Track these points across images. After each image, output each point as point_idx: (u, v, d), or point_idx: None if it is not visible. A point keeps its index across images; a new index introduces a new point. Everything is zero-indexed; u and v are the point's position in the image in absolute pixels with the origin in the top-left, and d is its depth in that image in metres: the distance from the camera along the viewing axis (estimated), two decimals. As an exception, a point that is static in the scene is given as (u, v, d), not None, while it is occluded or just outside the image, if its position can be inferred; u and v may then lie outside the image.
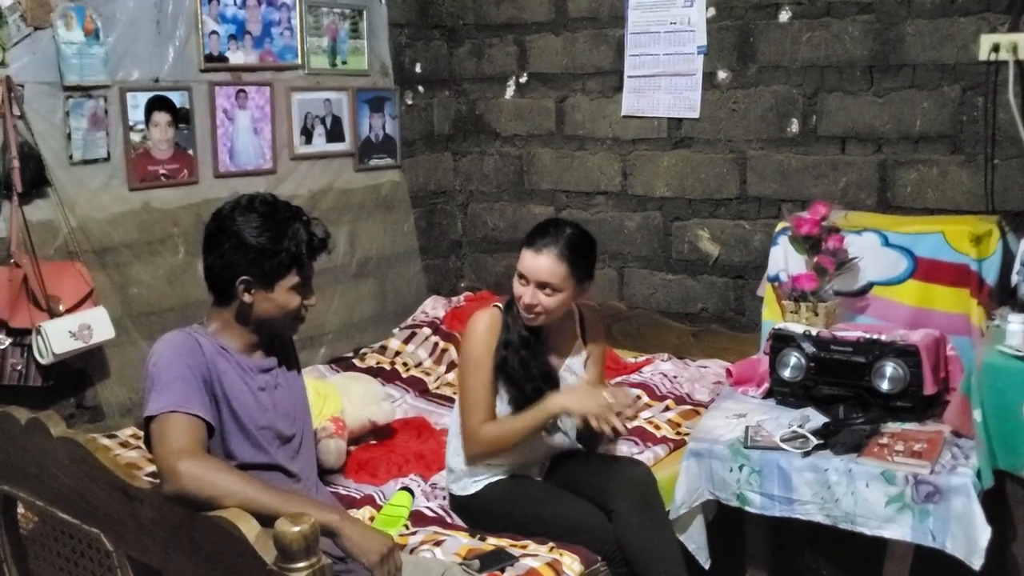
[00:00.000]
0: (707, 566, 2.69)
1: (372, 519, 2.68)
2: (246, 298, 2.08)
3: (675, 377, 3.62)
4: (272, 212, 2.10)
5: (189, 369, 1.98)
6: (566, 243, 2.50)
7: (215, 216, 2.12)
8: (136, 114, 3.31)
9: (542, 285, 2.49)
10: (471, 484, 2.65)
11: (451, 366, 3.93)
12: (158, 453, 1.88)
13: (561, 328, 2.68)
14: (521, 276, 2.52)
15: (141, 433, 3.10)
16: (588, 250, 2.58)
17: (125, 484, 1.86)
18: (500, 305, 2.66)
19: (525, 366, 2.56)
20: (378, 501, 2.81)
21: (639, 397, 3.09)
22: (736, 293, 3.85)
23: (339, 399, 3.17)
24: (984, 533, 2.25)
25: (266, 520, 1.70)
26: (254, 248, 2.05)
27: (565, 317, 2.67)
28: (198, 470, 1.81)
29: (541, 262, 2.49)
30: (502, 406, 2.60)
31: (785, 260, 3.13)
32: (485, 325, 2.59)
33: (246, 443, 2.07)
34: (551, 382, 2.61)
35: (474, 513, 2.66)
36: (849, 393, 2.66)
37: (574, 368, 2.69)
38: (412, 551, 2.44)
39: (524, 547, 2.46)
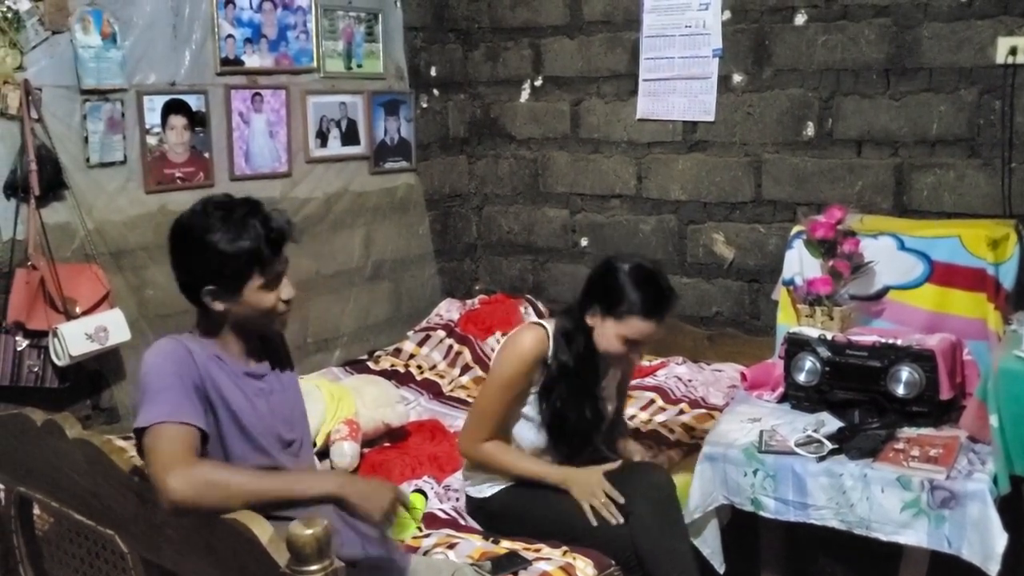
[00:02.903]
0: (721, 571, 2.68)
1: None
2: (217, 306, 2.00)
3: (690, 381, 3.61)
4: (227, 213, 1.99)
5: (178, 377, 1.92)
6: (674, 299, 2.51)
7: (174, 227, 2.03)
8: (152, 117, 3.34)
9: (646, 343, 2.52)
10: (487, 488, 2.65)
11: (465, 368, 3.93)
12: (149, 470, 1.84)
13: None
14: (631, 341, 2.47)
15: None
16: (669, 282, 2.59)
17: (140, 486, 1.86)
18: (544, 324, 2.58)
19: (578, 396, 2.54)
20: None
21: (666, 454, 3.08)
22: (751, 297, 3.84)
23: (353, 401, 3.18)
24: (1000, 539, 2.23)
25: (273, 507, 1.72)
26: (213, 254, 1.95)
27: None
28: (187, 484, 1.77)
29: (662, 327, 2.49)
30: (532, 431, 2.58)
31: (800, 264, 3.12)
32: (530, 346, 2.51)
33: (248, 448, 2.01)
34: (597, 416, 2.59)
35: (489, 515, 2.66)
36: (864, 398, 2.65)
37: (607, 392, 2.67)
38: (425, 554, 2.44)
39: (537, 551, 2.46)
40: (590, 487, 2.50)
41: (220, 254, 1.95)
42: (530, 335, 2.54)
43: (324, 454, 3.05)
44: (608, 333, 2.47)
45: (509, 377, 2.53)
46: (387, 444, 3.25)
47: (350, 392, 3.25)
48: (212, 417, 1.97)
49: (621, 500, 2.46)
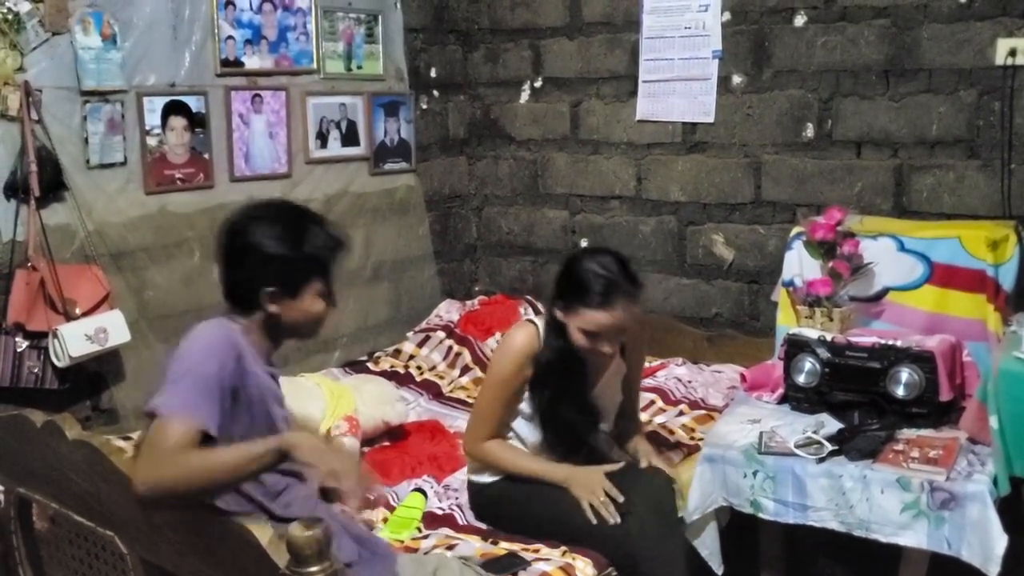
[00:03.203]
0: (720, 572, 2.67)
1: (385, 520, 2.69)
2: (272, 308, 2.00)
3: (689, 382, 3.61)
4: (288, 218, 2.04)
5: (207, 376, 1.89)
6: (630, 286, 2.45)
7: (230, 229, 2.05)
8: (152, 118, 3.34)
9: (621, 334, 2.48)
10: (488, 474, 2.67)
11: (465, 369, 3.93)
12: (139, 456, 1.86)
13: None
14: (592, 334, 2.44)
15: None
16: (634, 271, 2.51)
17: (139, 487, 1.87)
18: (536, 321, 2.61)
19: (564, 394, 2.55)
20: (391, 502, 2.82)
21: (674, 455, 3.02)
22: (751, 298, 3.84)
23: (352, 399, 3.19)
24: (1000, 541, 2.23)
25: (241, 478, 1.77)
26: (276, 257, 1.98)
27: None
28: (147, 480, 1.77)
29: (618, 316, 2.42)
30: (530, 429, 2.61)
31: (800, 265, 3.12)
32: (521, 344, 2.55)
33: None
34: (589, 413, 2.60)
35: (487, 501, 2.67)
36: (864, 399, 2.65)
37: (608, 389, 2.67)
38: (424, 555, 2.44)
39: (536, 551, 2.46)
40: (591, 485, 2.50)
41: (285, 257, 1.99)
42: (521, 333, 2.57)
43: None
44: (571, 327, 2.47)
45: (502, 376, 2.56)
46: (387, 443, 3.25)
47: (350, 390, 3.26)
48: (246, 416, 1.95)
49: (621, 499, 2.47)
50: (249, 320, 2.03)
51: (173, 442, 1.79)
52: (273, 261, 1.99)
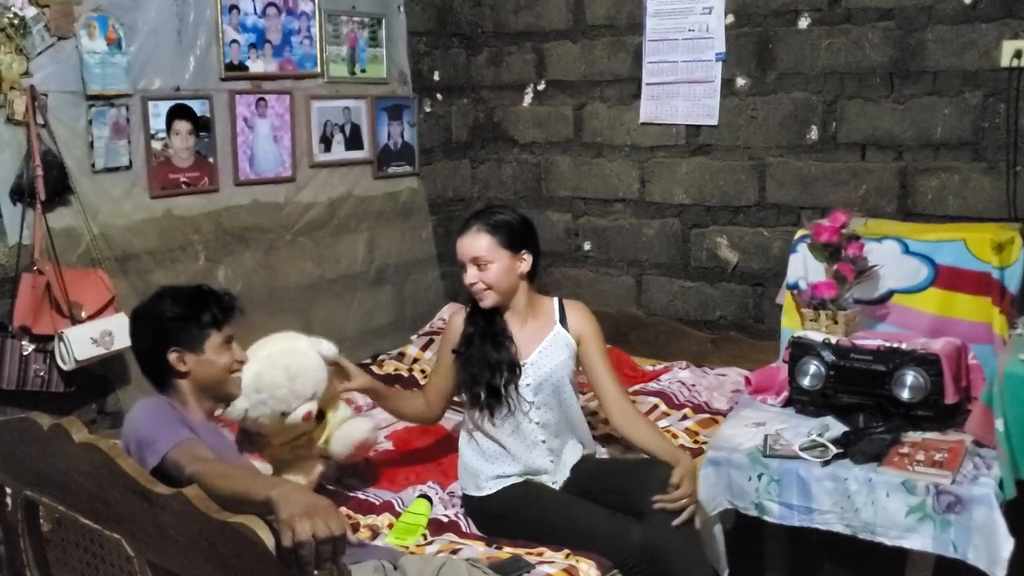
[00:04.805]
0: (725, 575, 2.67)
1: (391, 526, 2.69)
2: (181, 367, 2.24)
3: (693, 385, 3.60)
4: (178, 290, 2.35)
5: (168, 416, 2.16)
6: (486, 218, 2.74)
7: (133, 314, 2.36)
8: (157, 122, 3.34)
9: (475, 262, 2.68)
10: (485, 484, 2.68)
11: (469, 373, 3.92)
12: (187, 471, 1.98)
13: (528, 319, 2.77)
14: (461, 265, 2.72)
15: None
16: (515, 223, 2.76)
17: (146, 489, 1.87)
18: None
19: (483, 355, 2.69)
20: (396, 508, 2.82)
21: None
22: (755, 301, 3.84)
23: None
24: (1006, 544, 2.23)
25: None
26: (174, 319, 2.26)
27: (535, 308, 2.79)
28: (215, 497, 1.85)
29: (467, 241, 2.71)
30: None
31: (804, 268, 3.12)
32: (459, 318, 2.82)
33: None
34: (513, 372, 2.68)
35: (487, 516, 2.68)
36: (869, 402, 2.65)
37: (549, 353, 2.73)
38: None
39: (540, 554, 2.47)
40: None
41: (181, 316, 2.27)
42: (461, 308, 2.87)
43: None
44: None
45: (443, 339, 2.90)
46: (392, 449, 3.24)
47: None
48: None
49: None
50: (171, 395, 2.28)
51: (190, 460, 1.99)
52: (171, 323, 2.26)
